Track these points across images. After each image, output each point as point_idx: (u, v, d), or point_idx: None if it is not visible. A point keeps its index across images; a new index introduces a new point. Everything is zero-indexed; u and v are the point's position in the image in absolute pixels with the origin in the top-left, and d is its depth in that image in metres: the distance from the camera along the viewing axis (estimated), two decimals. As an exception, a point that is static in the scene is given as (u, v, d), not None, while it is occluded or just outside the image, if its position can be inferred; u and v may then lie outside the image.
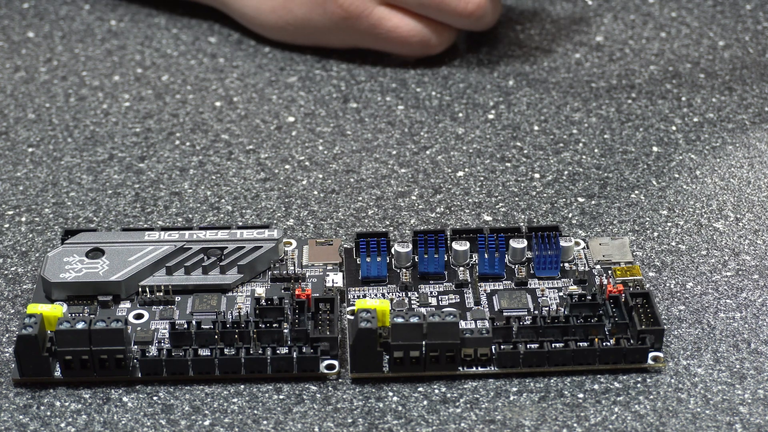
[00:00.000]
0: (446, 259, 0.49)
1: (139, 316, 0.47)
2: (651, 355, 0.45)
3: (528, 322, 0.45)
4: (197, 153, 0.57)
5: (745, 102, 0.61)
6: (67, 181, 0.55)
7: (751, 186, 0.55)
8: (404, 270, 0.49)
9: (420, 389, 0.45)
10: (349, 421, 0.43)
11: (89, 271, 0.48)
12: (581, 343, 0.45)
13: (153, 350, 0.45)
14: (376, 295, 0.48)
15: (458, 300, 0.48)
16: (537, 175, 0.56)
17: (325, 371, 0.45)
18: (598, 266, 0.49)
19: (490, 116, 0.60)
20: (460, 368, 0.45)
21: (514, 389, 0.45)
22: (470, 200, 0.54)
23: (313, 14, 0.62)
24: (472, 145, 0.58)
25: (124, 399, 0.44)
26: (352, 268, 0.49)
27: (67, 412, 0.44)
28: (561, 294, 0.48)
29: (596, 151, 0.58)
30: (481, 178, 0.56)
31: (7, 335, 0.47)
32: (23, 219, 0.53)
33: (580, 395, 0.44)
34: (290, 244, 0.50)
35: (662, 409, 0.44)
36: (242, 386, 0.45)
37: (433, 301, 0.48)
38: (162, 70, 0.64)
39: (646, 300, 0.46)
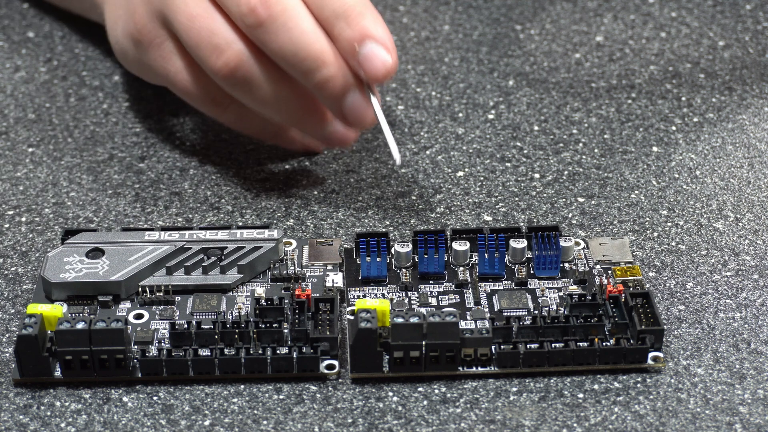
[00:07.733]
0: (446, 259, 0.49)
1: (139, 316, 0.47)
2: (651, 355, 0.45)
3: (528, 322, 0.45)
4: (197, 153, 0.57)
5: (745, 102, 0.61)
6: (67, 181, 0.55)
7: (751, 186, 0.55)
8: (404, 270, 0.49)
9: (420, 389, 0.45)
10: (349, 421, 0.43)
11: (89, 271, 0.48)
12: (581, 343, 0.45)
13: (153, 350, 0.45)
14: (376, 295, 0.48)
15: (458, 300, 0.48)
16: (537, 175, 0.56)
17: (325, 371, 0.45)
18: (598, 266, 0.49)
19: (490, 116, 0.60)
20: (460, 368, 0.45)
21: (514, 389, 0.45)
22: (470, 200, 0.54)
23: (125, 36, 0.55)
24: (472, 145, 0.58)
25: (124, 399, 0.44)
26: (352, 268, 0.49)
27: (67, 412, 0.44)
28: (561, 294, 0.48)
29: (596, 151, 0.58)
30: (481, 178, 0.56)
31: (7, 335, 0.47)
32: (23, 219, 0.53)
33: (580, 395, 0.44)
34: (290, 244, 0.50)
35: (662, 409, 0.44)
36: (242, 386, 0.45)
37: (433, 301, 0.48)
38: (162, 70, 0.63)
39: (646, 300, 0.46)
